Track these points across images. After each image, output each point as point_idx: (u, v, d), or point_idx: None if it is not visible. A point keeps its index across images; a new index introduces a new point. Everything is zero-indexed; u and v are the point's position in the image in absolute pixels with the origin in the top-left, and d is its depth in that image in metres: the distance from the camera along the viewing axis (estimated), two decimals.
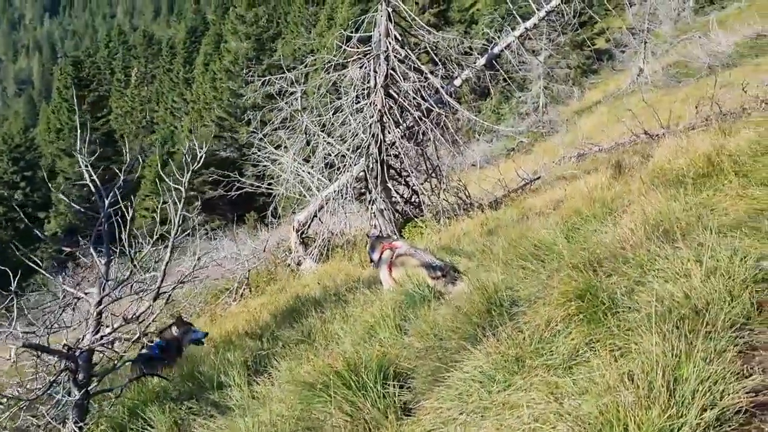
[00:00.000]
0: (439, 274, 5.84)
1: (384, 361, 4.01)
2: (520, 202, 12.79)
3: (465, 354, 3.65)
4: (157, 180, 39.14)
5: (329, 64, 13.01)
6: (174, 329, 7.29)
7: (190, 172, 5.89)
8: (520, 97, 33.67)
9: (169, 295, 6.09)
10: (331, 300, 7.40)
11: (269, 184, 15.79)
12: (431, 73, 13.66)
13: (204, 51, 68.95)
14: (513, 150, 29.96)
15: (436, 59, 13.78)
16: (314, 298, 8.13)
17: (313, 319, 6.60)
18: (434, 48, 13.79)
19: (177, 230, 5.65)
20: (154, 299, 5.59)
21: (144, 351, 6.94)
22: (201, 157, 6.18)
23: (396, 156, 13.68)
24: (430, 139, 13.06)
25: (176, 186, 5.90)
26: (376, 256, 6.96)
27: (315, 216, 15.27)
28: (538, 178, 16.63)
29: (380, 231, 12.37)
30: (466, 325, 4.10)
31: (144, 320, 5.46)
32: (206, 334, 7.56)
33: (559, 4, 13.25)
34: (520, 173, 17.14)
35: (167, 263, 5.62)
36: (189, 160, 5.97)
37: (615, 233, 4.50)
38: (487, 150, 30.18)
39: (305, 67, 13.46)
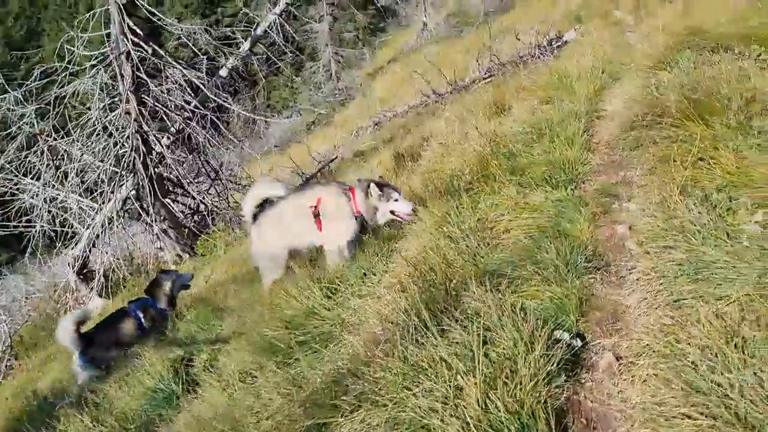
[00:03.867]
0: None
1: None
2: None
3: None
4: None
5: (62, 74, 10.88)
6: (167, 286, 6.58)
7: None
8: (311, 67, 32.50)
9: None
10: None
11: (27, 220, 13.26)
12: (193, 66, 12.03)
13: None
14: (314, 123, 28.90)
15: (195, 50, 12.13)
16: None
17: None
18: (192, 38, 12.08)
19: None
20: None
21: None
22: None
23: (170, 166, 11.94)
24: (201, 142, 11.47)
25: None
26: None
27: (93, 246, 13.14)
28: (335, 158, 15.65)
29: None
30: None
31: None
32: (192, 276, 7.10)
33: None
34: (316, 155, 16.04)
35: None
36: None
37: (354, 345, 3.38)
38: (287, 128, 28.84)
39: (35, 81, 11.16)
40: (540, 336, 2.67)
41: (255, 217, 5.31)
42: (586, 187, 4.45)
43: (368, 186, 4.93)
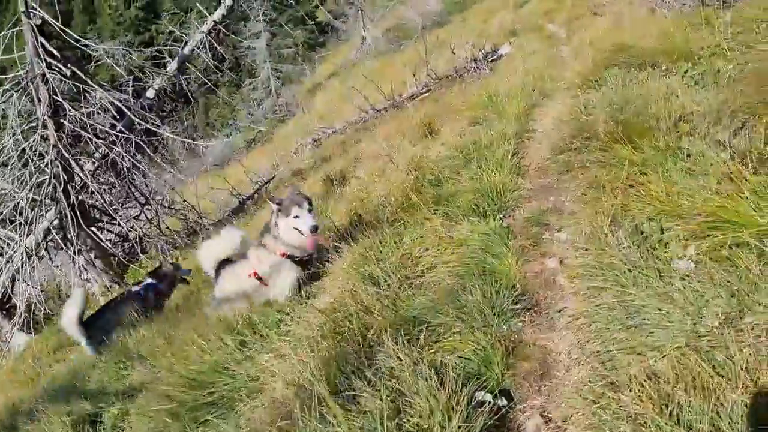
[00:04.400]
0: None
1: None
2: None
3: None
4: None
5: None
6: (169, 274, 7.03)
7: None
8: (250, 83, 31.95)
9: None
10: None
11: None
12: (118, 88, 11.47)
13: None
14: (254, 141, 28.38)
15: (121, 71, 11.56)
16: None
17: None
18: (113, 59, 11.51)
19: None
20: None
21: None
22: None
23: (94, 193, 11.30)
24: (127, 167, 10.89)
25: None
26: None
27: (15, 279, 12.35)
28: (273, 177, 15.23)
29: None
30: None
31: None
32: (190, 271, 7.31)
33: None
34: (253, 176, 15.58)
35: None
36: None
37: None
38: (226, 146, 28.19)
39: None
40: (460, 400, 2.37)
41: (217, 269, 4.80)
42: (515, 215, 4.22)
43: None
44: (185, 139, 11.86)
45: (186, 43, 12.10)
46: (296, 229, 4.13)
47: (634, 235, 3.24)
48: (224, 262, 4.69)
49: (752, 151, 3.37)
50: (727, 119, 3.83)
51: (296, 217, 4.12)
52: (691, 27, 6.09)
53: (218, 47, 12.26)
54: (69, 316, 5.89)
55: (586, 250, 3.35)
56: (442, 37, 22.51)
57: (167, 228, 12.25)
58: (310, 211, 4.14)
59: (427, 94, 13.99)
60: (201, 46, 11.96)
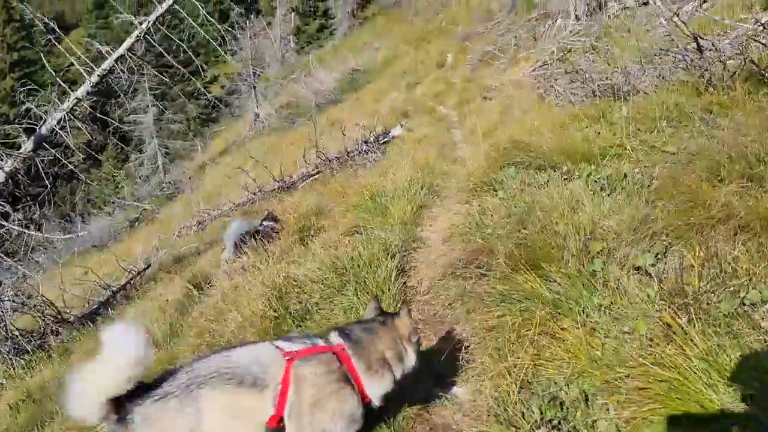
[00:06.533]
0: None
1: None
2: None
3: None
4: None
5: None
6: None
7: None
8: (136, 159, 30.31)
9: None
10: None
11: None
12: None
13: None
14: (137, 220, 26.62)
15: None
16: None
17: None
18: None
19: None
20: None
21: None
22: None
23: None
24: None
25: None
26: None
27: None
28: (148, 266, 13.80)
29: None
30: None
31: None
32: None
33: (113, 67, 10.62)
34: (126, 264, 14.09)
35: None
36: None
37: None
38: (105, 226, 26.24)
39: None
40: None
41: None
42: None
43: None
44: (32, 232, 10.34)
45: (44, 121, 10.81)
46: None
47: (551, 406, 2.45)
48: None
49: (684, 289, 2.71)
50: (647, 242, 3.19)
51: None
52: (588, 120, 5.65)
53: (81, 126, 11.03)
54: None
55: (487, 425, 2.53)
56: (335, 116, 22.19)
57: (17, 330, 10.58)
58: None
59: (317, 176, 13.39)
60: (62, 125, 10.69)
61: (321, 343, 2.51)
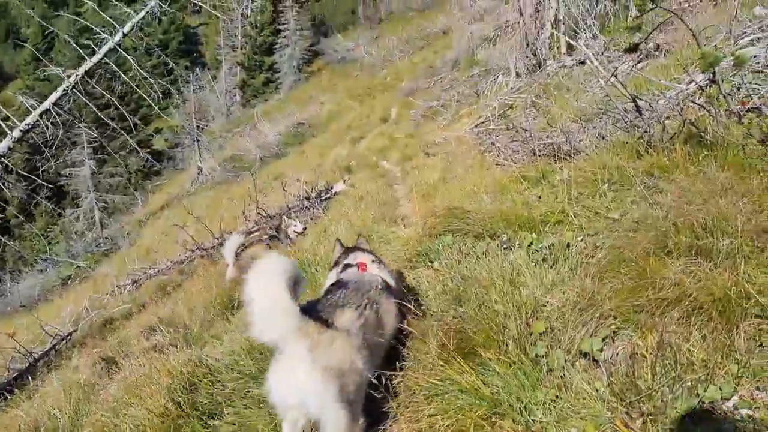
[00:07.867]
0: None
1: None
2: None
3: None
4: None
5: None
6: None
7: None
8: (71, 214, 29.17)
9: None
10: None
11: None
12: None
13: None
14: (70, 278, 25.40)
15: None
16: None
17: None
18: None
19: None
20: None
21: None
22: None
23: None
24: None
25: None
26: None
27: None
28: (74, 331, 12.94)
29: None
30: None
31: None
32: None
33: (37, 122, 10.11)
34: (50, 328, 13.18)
35: None
36: None
37: None
38: (37, 284, 24.93)
39: None
40: None
41: None
42: None
43: None
44: None
45: None
46: None
47: None
48: None
49: (636, 384, 2.41)
50: (594, 323, 2.90)
51: None
52: (529, 182, 5.45)
53: (8, 180, 10.42)
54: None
55: None
56: (279, 170, 21.84)
57: None
58: None
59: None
60: None
61: None
